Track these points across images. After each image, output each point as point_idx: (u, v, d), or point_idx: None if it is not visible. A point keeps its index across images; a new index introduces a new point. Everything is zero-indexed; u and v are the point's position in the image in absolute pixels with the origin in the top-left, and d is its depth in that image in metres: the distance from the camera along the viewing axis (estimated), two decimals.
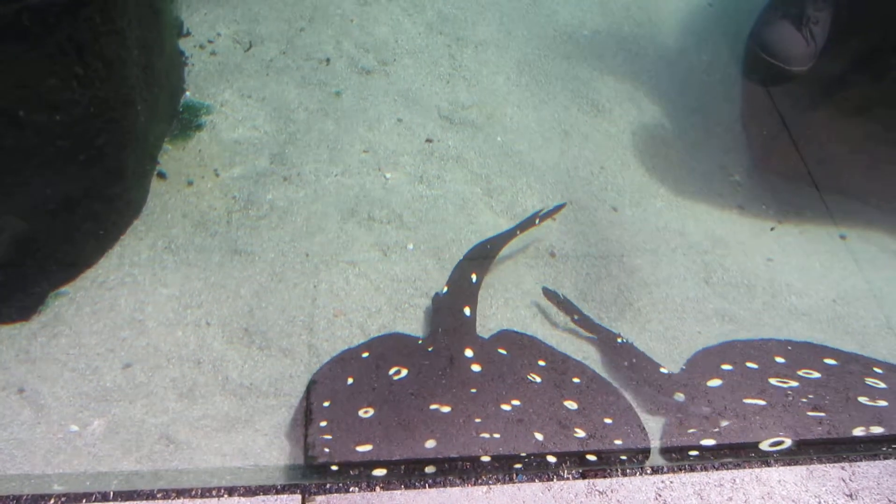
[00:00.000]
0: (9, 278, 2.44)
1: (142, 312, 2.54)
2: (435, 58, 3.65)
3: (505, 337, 2.55)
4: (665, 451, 2.23)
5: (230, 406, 2.34)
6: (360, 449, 2.06)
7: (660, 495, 2.01)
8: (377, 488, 1.98)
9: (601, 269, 2.88)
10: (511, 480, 2.02)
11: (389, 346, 2.44)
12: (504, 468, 2.05)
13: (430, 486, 1.98)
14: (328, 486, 1.99)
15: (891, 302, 2.89)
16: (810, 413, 2.27)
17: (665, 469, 2.09)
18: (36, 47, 2.17)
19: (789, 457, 2.16)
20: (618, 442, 2.18)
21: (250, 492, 1.97)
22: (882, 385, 2.42)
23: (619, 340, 2.56)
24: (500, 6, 3.97)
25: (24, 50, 2.15)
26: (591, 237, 3.00)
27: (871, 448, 2.21)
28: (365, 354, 2.40)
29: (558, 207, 3.00)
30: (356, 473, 2.02)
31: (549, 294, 2.71)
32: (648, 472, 2.08)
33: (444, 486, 1.99)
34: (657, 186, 3.26)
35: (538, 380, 2.34)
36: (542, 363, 2.43)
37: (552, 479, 2.03)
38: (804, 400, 2.31)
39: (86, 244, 2.61)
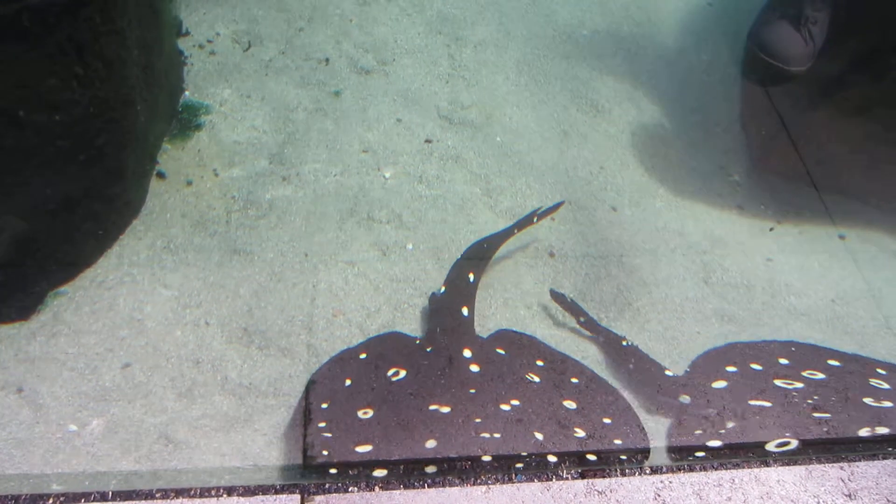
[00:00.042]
0: (8, 278, 2.44)
1: (141, 312, 2.54)
2: (434, 58, 3.65)
3: (503, 337, 2.55)
4: (671, 452, 2.23)
5: (229, 406, 2.34)
6: (359, 449, 2.06)
7: (659, 495, 2.01)
8: (376, 488, 1.98)
9: (600, 269, 2.88)
10: (510, 480, 2.02)
11: (387, 347, 2.44)
12: (505, 468, 2.05)
13: (429, 486, 1.98)
14: (327, 485, 1.99)
15: (890, 302, 2.89)
16: (816, 414, 2.27)
17: (664, 469, 2.09)
18: (36, 47, 2.17)
19: (789, 457, 2.16)
20: (617, 442, 2.18)
21: (249, 491, 1.97)
22: (886, 386, 2.42)
23: (624, 343, 2.56)
24: (500, 6, 3.97)
25: (24, 50, 2.15)
26: (591, 237, 3.00)
27: (870, 448, 2.21)
28: (363, 356, 2.39)
29: (557, 206, 3.00)
30: (355, 473, 2.02)
31: (557, 296, 2.71)
32: (647, 472, 2.08)
33: (444, 485, 1.99)
34: (656, 186, 3.26)
35: (537, 380, 2.34)
36: (540, 363, 2.43)
37: (551, 479, 2.04)
38: (809, 401, 2.31)
39: (85, 244, 2.61)
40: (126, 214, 2.76)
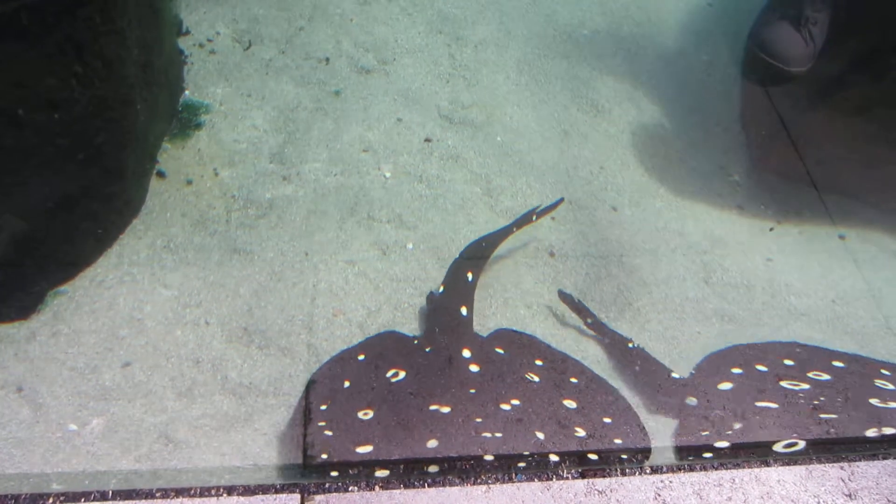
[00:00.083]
0: (8, 277, 2.44)
1: (141, 311, 2.54)
2: (435, 57, 3.65)
3: (503, 336, 2.54)
4: (679, 452, 2.23)
5: (229, 405, 2.34)
6: (360, 450, 2.06)
7: (659, 495, 2.01)
8: (376, 487, 1.98)
9: (600, 268, 2.88)
10: (510, 480, 2.02)
11: (385, 348, 2.43)
12: (507, 467, 2.05)
13: (429, 486, 1.98)
14: (327, 485, 1.98)
15: (890, 302, 2.89)
16: (822, 415, 2.27)
17: (664, 469, 2.09)
18: (35, 46, 2.16)
19: (789, 457, 2.16)
20: (618, 441, 2.18)
21: (249, 491, 1.97)
22: (891, 387, 2.42)
23: (630, 345, 2.55)
24: (500, 5, 3.97)
25: (23, 49, 2.14)
26: (591, 237, 3.00)
27: (870, 448, 2.21)
28: (361, 357, 2.39)
29: (556, 203, 2.99)
30: (355, 473, 2.02)
31: (565, 297, 2.70)
32: (648, 471, 2.08)
33: (444, 485, 1.99)
34: (656, 186, 3.26)
35: (536, 379, 2.34)
36: (539, 362, 2.42)
37: (551, 479, 2.04)
38: (816, 402, 2.32)
39: (85, 243, 2.61)
40: (126, 214, 2.76)
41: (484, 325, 2.62)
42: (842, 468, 2.11)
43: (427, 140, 3.27)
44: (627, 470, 2.08)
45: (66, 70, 2.26)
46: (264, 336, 2.52)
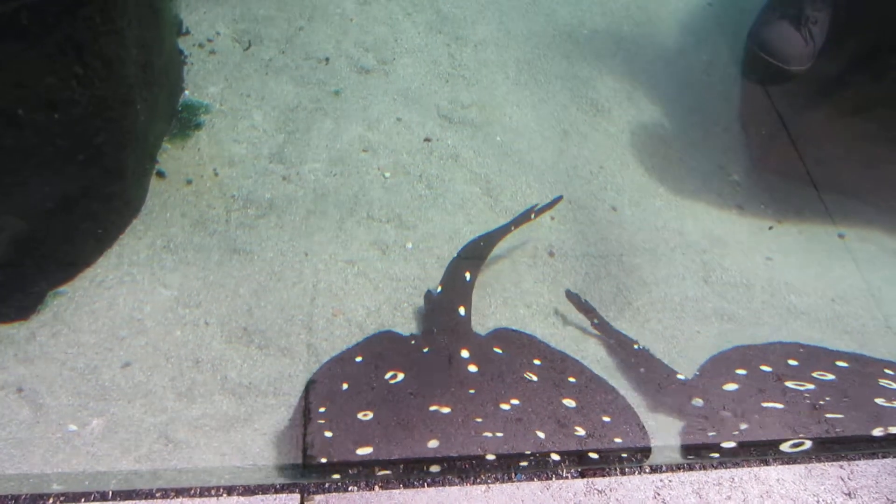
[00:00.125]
0: (8, 278, 2.44)
1: (140, 312, 2.54)
2: (434, 57, 3.65)
3: (501, 335, 2.54)
4: (685, 451, 2.23)
5: (229, 405, 2.34)
6: (360, 451, 2.05)
7: (658, 494, 2.01)
8: (376, 487, 1.98)
9: (600, 268, 2.88)
10: (510, 479, 2.02)
11: (383, 349, 2.42)
12: (506, 467, 2.05)
13: (428, 486, 1.98)
14: (327, 485, 1.99)
15: (889, 301, 2.89)
16: (828, 415, 2.27)
17: (664, 468, 2.09)
18: (35, 46, 2.17)
19: (791, 456, 2.16)
20: (617, 440, 2.18)
21: (249, 491, 1.97)
22: (895, 386, 2.42)
23: (636, 347, 2.55)
24: (500, 5, 3.97)
25: (22, 49, 2.14)
26: (590, 236, 3.00)
27: (869, 447, 2.21)
28: (359, 359, 2.38)
29: (555, 201, 2.98)
30: (355, 472, 2.02)
31: (572, 297, 2.70)
32: (647, 470, 2.08)
33: (443, 485, 1.99)
34: (656, 186, 3.26)
35: (535, 378, 2.34)
36: (537, 362, 2.42)
37: (551, 478, 2.04)
38: (821, 402, 2.32)
39: (85, 243, 2.61)
40: (126, 214, 2.76)
41: (483, 324, 2.62)
42: (841, 467, 2.11)
43: (427, 140, 3.27)
44: (627, 469, 2.08)
45: (66, 70, 2.26)
46: (264, 336, 2.52)
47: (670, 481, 2.04)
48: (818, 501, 2.03)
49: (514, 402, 2.23)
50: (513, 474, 2.03)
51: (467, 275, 2.67)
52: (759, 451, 2.18)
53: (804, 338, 2.70)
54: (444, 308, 2.56)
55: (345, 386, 2.26)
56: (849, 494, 2.05)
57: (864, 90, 3.42)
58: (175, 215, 2.84)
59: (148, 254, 2.70)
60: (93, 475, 2.11)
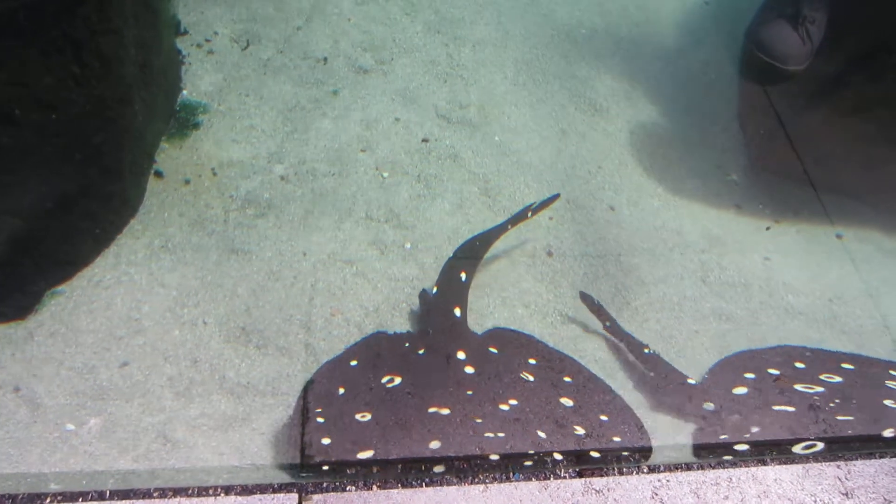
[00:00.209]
0: (5, 277, 2.44)
1: (138, 311, 2.54)
2: (432, 57, 3.65)
3: (497, 335, 2.54)
4: (694, 451, 2.23)
5: (227, 405, 2.34)
6: (361, 455, 2.04)
7: (656, 494, 2.01)
8: (374, 487, 1.98)
9: (598, 268, 2.89)
10: (508, 479, 2.02)
11: (378, 351, 2.40)
12: (506, 466, 2.05)
13: (427, 485, 1.98)
14: (325, 484, 1.99)
15: (887, 301, 2.90)
16: (840, 417, 2.28)
17: (661, 468, 2.09)
18: (33, 45, 2.16)
19: (779, 454, 2.16)
20: (616, 439, 2.18)
21: (247, 490, 1.97)
22: None
23: (646, 351, 2.55)
24: (498, 5, 3.97)
25: (20, 48, 2.14)
26: (589, 236, 3.00)
27: (867, 447, 2.22)
28: (354, 363, 2.35)
29: (552, 199, 2.97)
30: (353, 472, 2.02)
31: (586, 298, 2.70)
32: (645, 470, 2.08)
33: (442, 484, 1.99)
34: (654, 185, 3.26)
35: (531, 378, 2.34)
36: (533, 361, 2.42)
37: (549, 478, 2.04)
38: (831, 405, 2.32)
39: (83, 243, 2.61)
40: (124, 213, 2.76)
41: (482, 324, 2.62)
42: (838, 467, 2.11)
43: (425, 140, 3.27)
44: (625, 469, 2.08)
45: (64, 69, 2.26)
46: (262, 336, 2.52)
47: (668, 481, 2.04)
48: (815, 501, 2.03)
49: (513, 402, 2.23)
50: (511, 474, 2.03)
51: (463, 275, 2.66)
52: (771, 453, 2.17)
53: (802, 338, 2.70)
54: (440, 309, 2.55)
55: (341, 390, 2.24)
56: (846, 494, 2.05)
57: (862, 90, 3.42)
58: (173, 215, 2.83)
59: (146, 253, 2.70)
60: (90, 474, 2.11)
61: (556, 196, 2.99)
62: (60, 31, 2.21)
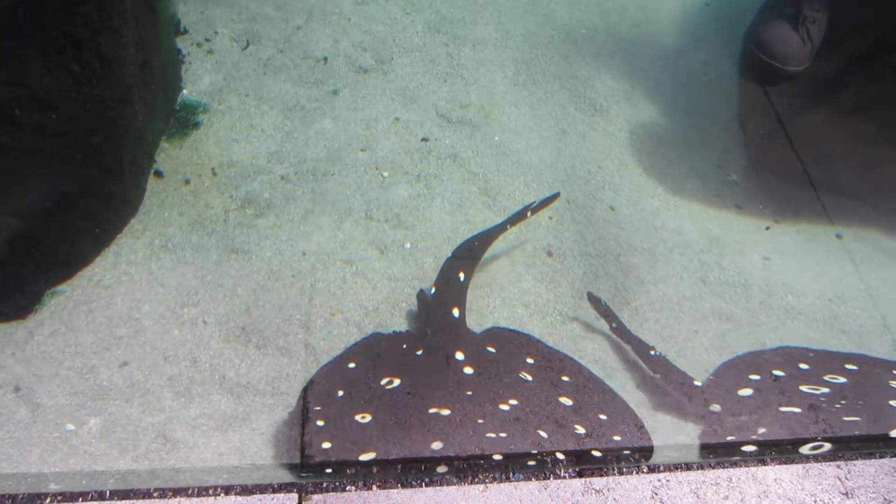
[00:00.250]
0: (5, 277, 2.44)
1: (138, 311, 2.54)
2: (432, 56, 3.65)
3: (495, 335, 2.53)
4: (702, 451, 2.24)
5: (227, 405, 2.34)
6: (363, 458, 2.04)
7: (656, 493, 2.01)
8: (374, 487, 1.98)
9: (598, 268, 2.89)
10: (507, 479, 2.02)
11: (376, 353, 2.39)
12: (506, 466, 2.05)
13: (426, 485, 1.98)
14: (325, 484, 1.99)
15: (886, 301, 2.90)
16: (846, 418, 2.28)
17: (661, 468, 2.09)
18: (33, 45, 2.16)
19: (786, 455, 2.16)
20: (616, 438, 2.18)
21: (247, 490, 1.97)
22: None
23: (653, 353, 2.55)
24: (498, 5, 3.97)
25: (20, 48, 2.14)
26: (589, 236, 3.00)
27: (866, 447, 2.22)
28: (352, 365, 2.34)
29: (552, 198, 2.96)
30: (353, 472, 2.02)
31: (593, 300, 2.69)
32: (645, 470, 2.08)
33: (441, 484, 1.99)
34: (654, 185, 3.26)
35: (529, 378, 2.33)
36: (530, 360, 2.41)
37: (549, 478, 2.04)
38: (837, 406, 2.33)
39: (83, 243, 2.61)
40: (124, 213, 2.76)
41: (482, 324, 2.62)
42: (838, 467, 2.11)
43: (425, 139, 3.27)
44: (625, 469, 2.08)
45: (64, 69, 2.26)
46: (262, 335, 2.52)
47: (668, 481, 2.04)
48: (815, 501, 2.03)
49: (513, 402, 2.23)
50: (510, 474, 2.03)
51: (461, 275, 2.66)
52: (779, 454, 2.17)
53: (802, 337, 2.70)
54: (438, 310, 2.54)
55: (340, 392, 2.23)
56: (846, 494, 2.05)
57: (862, 90, 3.42)
58: (173, 215, 2.83)
59: (146, 253, 2.70)
60: (90, 475, 2.11)
61: (556, 195, 2.99)
62: (60, 30, 2.21)
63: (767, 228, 3.15)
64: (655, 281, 2.87)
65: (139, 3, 2.67)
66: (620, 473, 2.07)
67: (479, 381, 2.27)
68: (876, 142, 3.35)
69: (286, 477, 2.10)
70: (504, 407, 2.20)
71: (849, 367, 2.52)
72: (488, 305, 2.72)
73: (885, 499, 2.05)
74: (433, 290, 2.62)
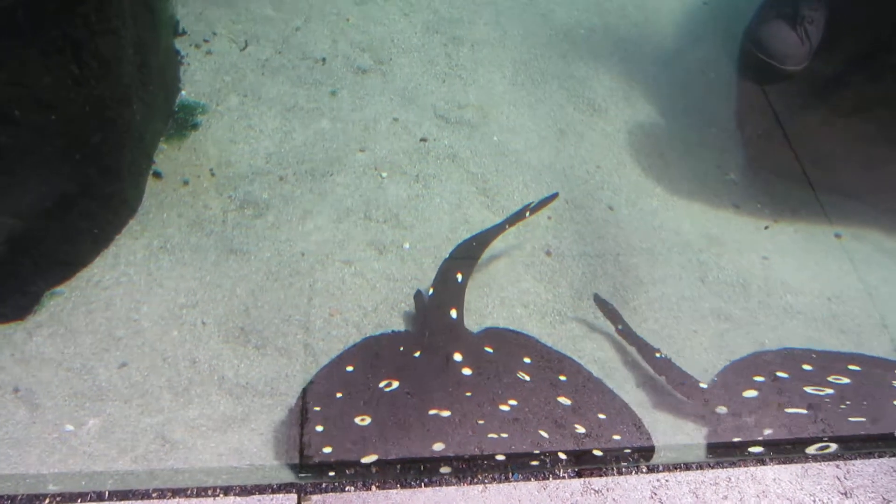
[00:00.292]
0: (5, 277, 2.43)
1: (137, 312, 2.54)
2: (431, 57, 3.65)
3: (492, 335, 2.53)
4: (709, 451, 2.24)
5: (226, 405, 2.34)
6: (365, 460, 2.03)
7: (655, 493, 2.01)
8: (373, 487, 1.98)
9: (597, 268, 2.89)
10: (507, 479, 2.02)
11: (377, 352, 2.38)
12: (505, 466, 2.05)
13: (425, 486, 1.98)
14: (324, 485, 1.99)
15: (885, 300, 2.90)
16: (852, 419, 2.28)
17: (660, 468, 2.09)
18: (32, 46, 2.16)
19: (784, 455, 2.17)
20: (616, 438, 2.18)
21: (246, 491, 1.97)
22: None
23: (658, 355, 2.54)
24: (497, 5, 3.97)
25: (20, 49, 2.14)
26: (587, 236, 3.00)
27: (866, 446, 2.22)
28: (350, 368, 2.33)
29: (551, 198, 2.96)
30: (352, 473, 2.02)
31: (600, 301, 2.69)
32: (644, 470, 2.08)
33: (441, 484, 1.99)
34: (653, 185, 3.26)
35: (527, 378, 2.33)
36: (527, 360, 2.41)
37: (548, 478, 2.04)
38: (842, 406, 2.33)
39: (82, 243, 2.61)
40: (122, 214, 2.76)
41: (481, 324, 2.63)
42: (837, 466, 2.11)
43: (423, 140, 3.27)
44: (624, 469, 2.08)
45: (63, 69, 2.26)
46: (261, 336, 2.52)
47: (667, 481, 2.04)
48: (814, 501, 2.03)
49: (513, 402, 2.22)
50: (510, 474, 2.03)
51: (459, 276, 2.65)
52: (786, 454, 2.18)
53: (801, 337, 2.71)
54: (436, 311, 2.54)
55: (339, 395, 2.23)
56: (845, 494, 2.05)
57: (861, 90, 3.43)
58: (172, 215, 2.83)
59: (145, 254, 2.70)
60: (89, 475, 2.11)
61: (555, 195, 2.99)
62: (60, 31, 2.21)
63: (766, 228, 3.15)
64: (654, 281, 2.87)
65: (138, 4, 2.67)
66: (619, 473, 2.07)
67: (478, 382, 2.27)
68: (874, 141, 3.35)
69: (285, 477, 2.10)
70: (504, 407, 2.20)
71: (852, 367, 2.53)
72: (487, 305, 2.72)
73: (883, 498, 2.05)
74: (431, 290, 2.62)
